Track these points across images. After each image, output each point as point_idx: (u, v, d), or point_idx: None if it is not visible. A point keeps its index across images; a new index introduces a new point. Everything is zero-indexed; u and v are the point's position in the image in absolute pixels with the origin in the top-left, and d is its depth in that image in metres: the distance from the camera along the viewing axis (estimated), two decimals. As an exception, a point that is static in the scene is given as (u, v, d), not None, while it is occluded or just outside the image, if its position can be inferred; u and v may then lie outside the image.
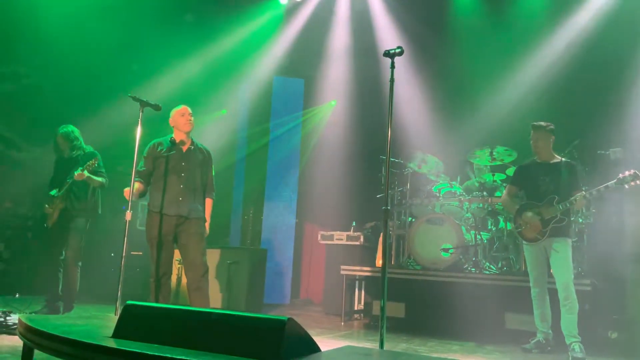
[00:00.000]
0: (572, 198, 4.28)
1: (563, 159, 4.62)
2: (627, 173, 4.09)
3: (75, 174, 4.81)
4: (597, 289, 4.94)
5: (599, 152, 5.29)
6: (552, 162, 4.58)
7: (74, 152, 5.13)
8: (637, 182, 4.06)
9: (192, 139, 4.52)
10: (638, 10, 6.20)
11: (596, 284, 4.94)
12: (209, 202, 4.56)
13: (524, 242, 4.56)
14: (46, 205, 5.07)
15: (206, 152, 4.60)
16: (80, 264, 5.10)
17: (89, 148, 5.24)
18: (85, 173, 4.82)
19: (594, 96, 6.45)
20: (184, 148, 4.44)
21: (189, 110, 4.49)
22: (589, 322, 4.64)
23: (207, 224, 4.49)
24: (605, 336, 4.71)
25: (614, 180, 4.14)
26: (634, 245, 4.92)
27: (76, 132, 5.20)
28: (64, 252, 5.06)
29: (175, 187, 4.32)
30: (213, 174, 4.63)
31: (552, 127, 4.56)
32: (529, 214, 4.45)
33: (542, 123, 4.56)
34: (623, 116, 6.15)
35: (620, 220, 5.15)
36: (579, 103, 6.56)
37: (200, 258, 4.31)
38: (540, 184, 4.49)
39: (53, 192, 5.04)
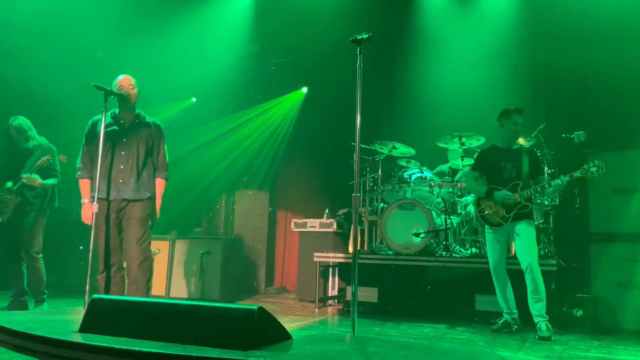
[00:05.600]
0: (537, 186, 4.35)
1: (523, 146, 4.69)
2: (591, 164, 4.19)
3: (24, 176, 4.77)
4: (562, 269, 5.08)
5: (563, 135, 5.42)
6: (513, 148, 4.64)
7: (29, 143, 5.05)
8: (601, 172, 4.16)
9: (138, 113, 4.15)
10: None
11: (562, 264, 5.08)
12: (159, 183, 4.15)
13: (486, 226, 4.62)
14: (6, 195, 4.96)
15: (155, 126, 4.17)
16: (41, 255, 5.02)
17: (42, 139, 5.17)
18: (38, 179, 4.87)
19: (557, 81, 6.58)
20: (127, 123, 4.08)
21: (121, 77, 4.09)
22: (555, 301, 4.79)
23: (158, 206, 4.14)
24: (570, 314, 4.85)
25: (579, 170, 4.22)
26: (598, 226, 5.07)
27: (28, 123, 5.14)
28: (24, 247, 4.96)
29: (116, 168, 3.98)
30: (166, 150, 4.20)
31: None
32: (500, 194, 4.47)
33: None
34: (585, 100, 6.31)
35: (584, 202, 5.29)
36: (544, 88, 6.70)
37: (135, 246, 3.89)
38: (503, 171, 4.54)
39: (9, 184, 4.93)
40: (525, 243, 4.36)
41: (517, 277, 4.54)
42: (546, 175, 4.44)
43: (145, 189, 4.06)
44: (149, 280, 3.95)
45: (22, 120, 5.09)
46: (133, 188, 3.99)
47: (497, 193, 4.48)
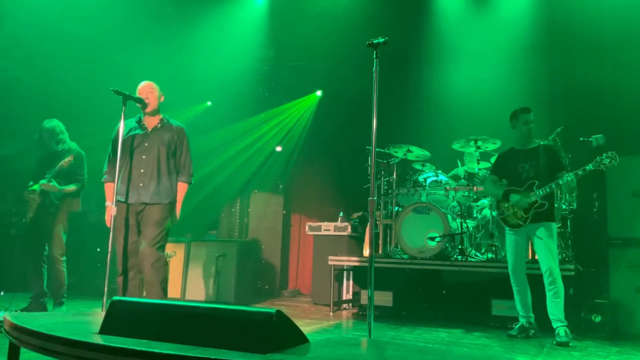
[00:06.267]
0: (552, 183, 4.28)
1: (541, 143, 4.61)
2: (604, 155, 4.10)
3: (42, 182, 4.83)
4: (580, 274, 5.02)
5: (581, 139, 5.35)
6: (530, 147, 4.58)
7: (59, 147, 5.11)
8: (614, 162, 4.07)
9: (162, 117, 4.18)
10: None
11: (580, 269, 5.02)
12: (181, 186, 4.14)
13: (506, 228, 4.57)
14: (30, 195, 5.02)
15: (177, 129, 4.17)
16: (64, 258, 5.06)
17: (73, 144, 5.21)
18: (56, 186, 4.88)
19: (575, 83, 6.51)
20: (149, 127, 4.11)
21: (142, 84, 4.15)
22: (574, 306, 4.73)
23: (177, 210, 4.12)
24: (589, 319, 4.80)
25: (592, 163, 4.14)
26: (617, 230, 5.01)
27: (61, 126, 5.19)
28: (47, 248, 5.03)
29: (136, 172, 4.00)
30: (189, 154, 4.20)
31: None
32: (514, 197, 4.43)
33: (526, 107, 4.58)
34: (603, 102, 6.23)
35: (602, 206, 5.23)
36: (560, 91, 6.63)
37: (147, 247, 3.87)
38: (521, 171, 4.49)
39: (36, 187, 4.99)
40: (545, 246, 4.30)
41: (534, 281, 4.50)
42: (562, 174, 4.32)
43: (166, 193, 4.05)
44: (162, 281, 3.91)
45: (55, 123, 5.15)
46: (153, 192, 4.00)
47: (513, 196, 4.44)
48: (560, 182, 4.24)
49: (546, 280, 4.26)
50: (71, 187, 5.04)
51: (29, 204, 5.00)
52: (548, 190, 4.30)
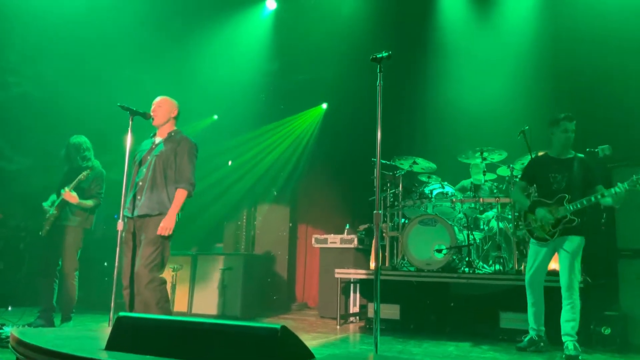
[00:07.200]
0: (583, 199, 4.15)
1: (577, 155, 4.44)
2: None
3: (63, 191, 4.88)
4: (589, 286, 4.97)
5: (587, 149, 5.32)
6: (566, 157, 4.42)
7: (84, 163, 5.18)
8: None
9: (172, 130, 4.17)
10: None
11: (589, 281, 4.97)
12: (178, 193, 3.94)
13: (532, 239, 4.44)
14: (49, 208, 5.07)
15: (180, 139, 4.11)
16: (77, 273, 5.10)
17: (97, 162, 5.29)
18: (76, 197, 4.92)
19: (581, 94, 6.50)
20: (156, 141, 4.17)
21: (155, 100, 4.22)
22: (583, 319, 4.67)
23: (171, 217, 3.87)
24: (598, 332, 4.74)
25: (627, 182, 3.99)
26: (626, 241, 4.96)
27: (88, 143, 5.28)
28: (60, 263, 5.07)
29: (137, 186, 4.02)
30: (188, 161, 4.04)
31: None
32: (540, 212, 4.32)
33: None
34: (610, 113, 6.20)
35: (611, 217, 5.18)
36: (566, 101, 6.61)
37: (140, 267, 3.75)
38: (552, 182, 4.34)
39: (58, 202, 5.05)
40: (568, 260, 4.18)
41: (546, 293, 4.44)
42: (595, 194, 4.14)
43: (159, 205, 3.94)
44: (160, 301, 3.77)
45: (82, 140, 5.24)
46: (145, 203, 3.95)
47: (539, 211, 4.31)
48: (606, 193, 4.05)
49: (564, 294, 4.16)
50: (88, 203, 5.10)
51: (46, 218, 5.05)
52: (579, 206, 4.16)
